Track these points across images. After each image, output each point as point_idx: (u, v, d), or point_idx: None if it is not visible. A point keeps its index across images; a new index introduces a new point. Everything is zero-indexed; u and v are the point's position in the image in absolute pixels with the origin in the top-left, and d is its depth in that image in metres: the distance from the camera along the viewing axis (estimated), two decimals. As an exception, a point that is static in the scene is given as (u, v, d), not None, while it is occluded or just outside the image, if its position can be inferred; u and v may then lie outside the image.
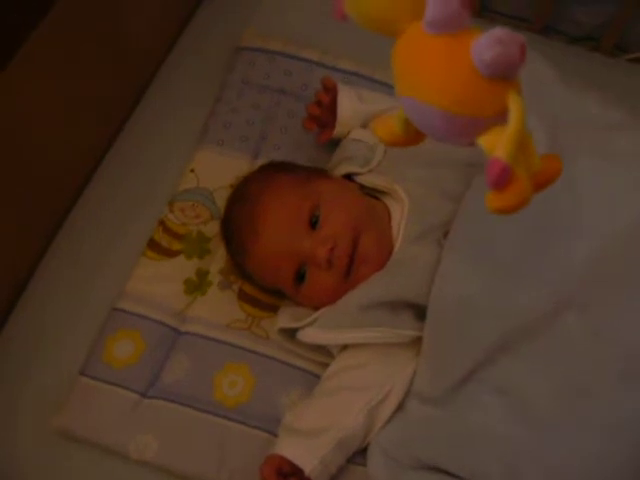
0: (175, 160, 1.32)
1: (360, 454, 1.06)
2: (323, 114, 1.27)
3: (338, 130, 1.25)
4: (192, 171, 1.30)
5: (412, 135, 0.72)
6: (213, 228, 1.24)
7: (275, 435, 1.07)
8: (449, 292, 1.02)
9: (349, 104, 1.24)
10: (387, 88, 1.33)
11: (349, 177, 1.20)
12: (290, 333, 1.11)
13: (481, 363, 1.00)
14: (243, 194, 1.17)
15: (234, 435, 1.09)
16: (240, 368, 1.13)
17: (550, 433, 0.96)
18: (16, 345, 1.19)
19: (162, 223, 1.25)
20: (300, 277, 1.09)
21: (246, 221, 1.12)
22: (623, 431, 0.92)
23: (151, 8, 1.39)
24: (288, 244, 1.07)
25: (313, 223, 1.09)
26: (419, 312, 1.05)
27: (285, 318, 1.11)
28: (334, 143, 1.27)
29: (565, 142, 1.05)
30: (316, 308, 1.11)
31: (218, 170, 1.29)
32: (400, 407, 1.06)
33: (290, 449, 1.01)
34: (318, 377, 1.13)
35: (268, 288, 1.16)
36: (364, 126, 1.26)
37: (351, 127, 1.25)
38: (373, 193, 1.18)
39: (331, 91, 1.26)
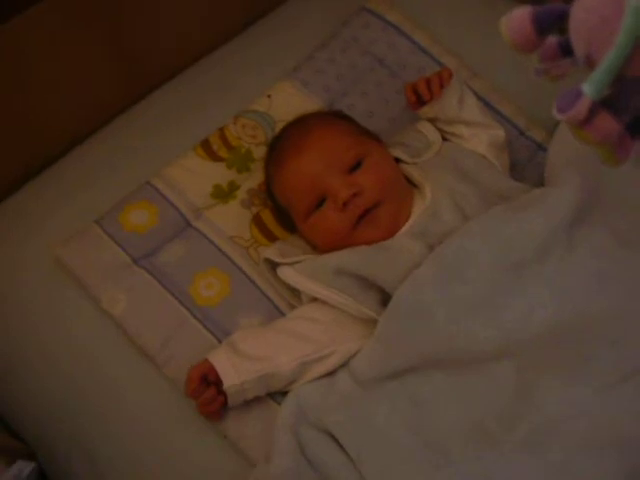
0: (255, 85, 1.41)
1: (281, 395, 1.14)
2: (425, 94, 1.31)
3: (424, 111, 1.31)
4: (269, 96, 1.39)
5: None
6: (262, 152, 1.33)
7: (220, 344, 1.17)
8: (413, 294, 1.07)
9: (452, 100, 1.29)
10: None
11: (396, 160, 1.26)
12: (272, 266, 1.20)
13: (412, 368, 1.07)
14: (303, 120, 1.26)
15: (188, 328, 1.20)
16: (222, 276, 1.23)
17: (438, 454, 1.01)
18: (61, 182, 1.34)
19: (221, 130, 1.36)
20: (316, 206, 1.17)
21: (296, 138, 1.21)
22: None
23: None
24: (321, 172, 1.15)
25: (352, 168, 1.16)
26: (384, 298, 1.11)
27: (273, 251, 1.20)
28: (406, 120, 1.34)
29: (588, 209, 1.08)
30: (311, 247, 1.21)
31: (291, 105, 1.37)
32: (332, 374, 1.13)
33: (221, 361, 1.11)
34: (282, 314, 1.21)
35: (283, 210, 1.24)
36: (433, 121, 1.30)
37: (436, 116, 1.30)
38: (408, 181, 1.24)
39: (445, 83, 1.29)
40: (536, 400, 0.99)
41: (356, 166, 1.17)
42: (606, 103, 0.75)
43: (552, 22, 0.89)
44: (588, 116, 0.74)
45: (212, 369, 1.11)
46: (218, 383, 1.11)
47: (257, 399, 1.14)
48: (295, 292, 1.20)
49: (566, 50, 0.88)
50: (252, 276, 1.24)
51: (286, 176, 1.19)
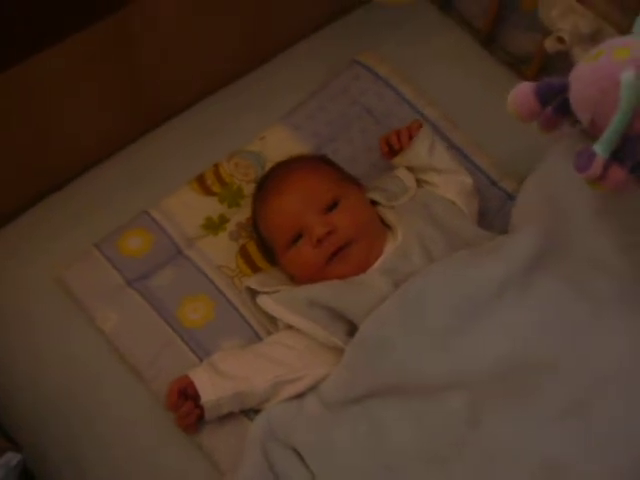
0: (251, 127, 1.54)
1: (254, 412, 1.24)
2: (395, 144, 1.43)
3: (397, 160, 1.42)
4: (262, 138, 1.51)
5: None
6: (252, 189, 1.44)
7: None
8: (376, 328, 1.18)
9: (420, 149, 1.40)
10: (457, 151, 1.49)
11: (374, 203, 1.37)
12: (253, 295, 1.31)
13: (374, 394, 1.17)
14: (288, 163, 1.39)
15: (174, 347, 1.30)
16: (208, 301, 1.35)
17: (391, 477, 1.11)
18: (67, 207, 1.46)
19: (216, 166, 1.48)
20: (293, 241, 1.28)
21: (279, 180, 1.33)
22: None
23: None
24: (300, 210, 1.27)
25: (328, 208, 1.28)
26: (352, 329, 1.21)
27: (254, 281, 1.31)
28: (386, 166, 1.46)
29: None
30: (289, 279, 1.32)
31: (282, 147, 1.49)
32: (302, 396, 1.23)
33: (201, 378, 1.22)
34: (261, 339, 1.32)
35: (266, 243, 1.35)
36: (410, 169, 1.42)
37: (409, 164, 1.41)
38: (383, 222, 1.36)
39: (413, 133, 1.41)
40: (485, 430, 1.08)
41: (332, 207, 1.28)
42: (613, 154, 0.92)
43: (554, 95, 1.03)
44: (603, 173, 0.92)
45: (191, 384, 1.21)
46: (196, 398, 1.21)
47: (232, 415, 1.24)
48: (272, 319, 1.30)
49: (562, 110, 1.05)
50: (235, 303, 1.35)
51: (269, 213, 1.31)
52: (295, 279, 1.33)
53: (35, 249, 1.41)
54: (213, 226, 1.42)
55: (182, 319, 1.33)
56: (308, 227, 1.26)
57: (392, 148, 1.42)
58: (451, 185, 1.38)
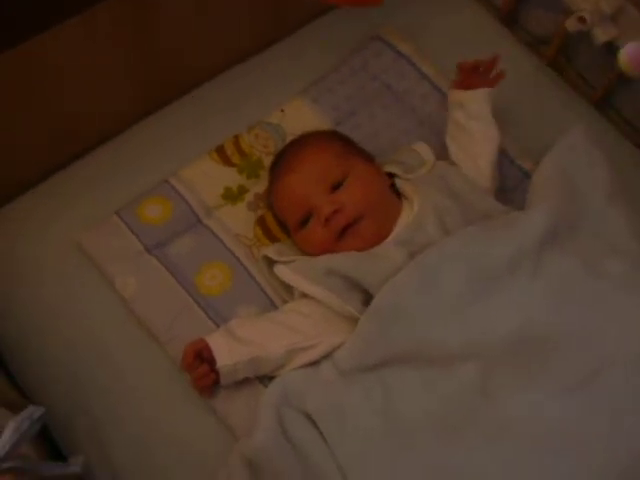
0: (271, 100, 1.54)
1: (269, 379, 1.26)
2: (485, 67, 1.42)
3: (457, 95, 1.42)
4: (282, 110, 1.52)
5: None
6: (271, 161, 1.45)
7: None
8: (391, 298, 1.19)
9: (484, 96, 1.39)
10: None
11: (391, 175, 1.39)
12: (270, 264, 1.32)
13: (387, 363, 1.19)
14: (302, 139, 1.40)
15: (191, 314, 1.32)
16: (225, 269, 1.36)
17: (404, 441, 1.12)
18: (87, 174, 1.48)
19: (236, 137, 1.49)
20: (304, 222, 1.30)
21: (290, 158, 1.35)
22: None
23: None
24: (308, 191, 1.29)
25: (335, 186, 1.30)
26: (367, 299, 1.23)
27: (272, 250, 1.32)
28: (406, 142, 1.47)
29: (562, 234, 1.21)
30: (307, 254, 1.33)
31: (302, 120, 1.50)
32: (317, 363, 1.25)
33: (218, 342, 1.23)
34: (276, 308, 1.34)
35: (280, 221, 1.38)
36: (457, 108, 1.42)
37: (462, 103, 1.41)
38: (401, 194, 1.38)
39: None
40: (497, 400, 1.10)
41: (341, 183, 1.30)
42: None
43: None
44: None
45: (207, 347, 1.23)
46: (211, 362, 1.22)
47: (246, 381, 1.25)
48: (288, 289, 1.32)
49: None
50: (252, 272, 1.36)
51: (280, 194, 1.34)
52: (310, 254, 1.34)
53: (55, 214, 1.43)
54: (232, 196, 1.43)
55: (199, 286, 1.34)
56: (316, 207, 1.28)
57: (472, 73, 1.41)
58: (487, 144, 1.39)
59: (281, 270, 1.29)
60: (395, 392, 1.16)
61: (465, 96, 1.40)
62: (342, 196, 1.29)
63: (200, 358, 1.23)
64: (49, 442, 1.27)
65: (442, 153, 1.46)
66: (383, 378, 1.18)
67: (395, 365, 1.18)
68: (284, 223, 1.37)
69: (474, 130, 1.39)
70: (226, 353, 1.22)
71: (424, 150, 1.42)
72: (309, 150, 1.34)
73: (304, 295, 1.28)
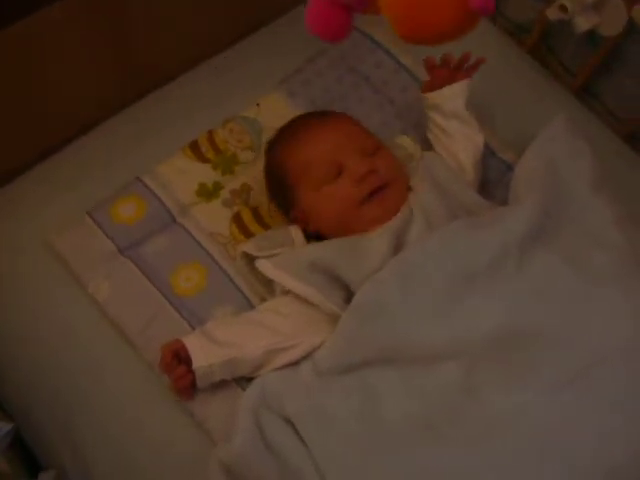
0: (247, 94, 1.51)
1: (247, 381, 1.22)
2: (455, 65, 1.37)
3: (430, 96, 1.38)
4: (258, 105, 1.49)
5: None
6: (246, 156, 1.43)
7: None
8: (373, 294, 1.16)
9: (460, 92, 1.36)
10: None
11: None
12: (249, 260, 1.28)
13: (368, 363, 1.15)
14: (320, 112, 1.39)
15: (166, 315, 1.29)
16: (200, 270, 1.33)
17: (385, 444, 1.10)
18: (59, 173, 1.44)
19: (210, 133, 1.45)
20: (329, 178, 1.27)
21: (317, 119, 1.33)
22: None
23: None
24: (343, 147, 1.27)
25: (369, 153, 1.29)
26: (349, 297, 1.19)
27: (251, 245, 1.28)
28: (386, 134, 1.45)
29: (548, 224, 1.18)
30: (289, 238, 1.30)
31: (277, 113, 1.47)
32: (296, 365, 1.21)
33: (194, 343, 1.20)
34: (254, 307, 1.30)
35: (285, 186, 1.32)
36: (435, 109, 1.39)
37: (438, 103, 1.37)
38: None
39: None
40: (481, 399, 1.07)
41: (372, 153, 1.29)
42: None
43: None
44: None
45: (184, 347, 1.19)
46: (189, 362, 1.19)
47: (224, 384, 1.22)
48: (268, 285, 1.29)
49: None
50: (228, 271, 1.33)
51: (307, 146, 1.30)
52: (314, 224, 1.31)
53: (27, 213, 1.39)
54: (207, 193, 1.40)
55: (174, 287, 1.31)
56: (351, 163, 1.26)
57: (441, 68, 1.37)
58: (468, 143, 1.37)
59: (263, 265, 1.25)
60: (376, 394, 1.13)
61: (437, 96, 1.37)
62: (377, 161, 1.28)
63: (178, 358, 1.20)
64: (24, 450, 1.24)
65: (423, 145, 1.43)
66: (364, 379, 1.15)
67: (376, 365, 1.15)
68: (290, 187, 1.31)
69: (453, 130, 1.37)
70: (201, 354, 1.19)
71: (408, 143, 1.42)
72: (337, 117, 1.34)
73: (286, 292, 1.25)
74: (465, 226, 1.20)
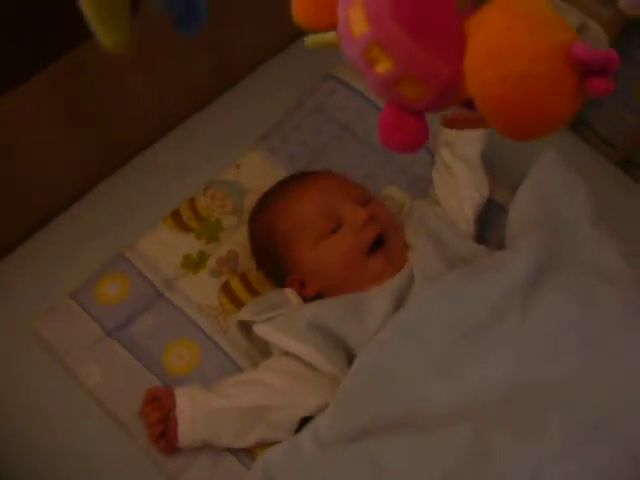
0: (226, 156, 1.47)
1: (246, 456, 1.18)
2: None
3: (448, 135, 1.36)
4: (237, 167, 1.44)
5: None
6: (230, 222, 1.39)
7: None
8: (374, 357, 1.11)
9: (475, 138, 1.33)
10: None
11: None
12: (246, 329, 1.23)
13: (372, 431, 1.09)
14: (299, 176, 1.34)
15: (161, 399, 1.23)
16: (192, 346, 1.27)
17: None
18: (40, 255, 1.39)
19: (192, 201, 1.41)
20: (327, 233, 1.23)
21: (303, 179, 1.30)
22: None
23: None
24: (337, 199, 1.24)
25: (363, 203, 1.25)
26: (351, 359, 1.15)
27: (247, 312, 1.23)
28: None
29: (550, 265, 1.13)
30: (284, 300, 1.24)
31: (259, 174, 1.42)
32: (296, 439, 1.15)
33: (183, 390, 1.17)
34: (250, 380, 1.24)
35: (278, 251, 1.27)
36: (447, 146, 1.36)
37: (453, 142, 1.35)
38: None
39: None
40: (494, 463, 1.00)
41: (367, 199, 1.27)
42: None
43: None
44: None
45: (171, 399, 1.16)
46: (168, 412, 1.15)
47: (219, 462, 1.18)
48: (267, 355, 1.23)
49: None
50: (221, 344, 1.27)
51: (298, 204, 1.25)
52: (311, 287, 1.25)
53: (10, 296, 1.34)
54: (192, 264, 1.35)
55: (167, 367, 1.25)
56: (348, 213, 1.22)
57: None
58: (475, 192, 1.32)
59: (262, 329, 1.19)
60: (383, 464, 1.06)
61: (456, 136, 1.34)
62: (372, 208, 1.24)
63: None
64: None
65: (411, 193, 1.39)
66: (369, 450, 1.09)
67: (380, 434, 1.09)
68: (284, 251, 1.26)
69: (458, 172, 1.33)
70: (187, 402, 1.15)
71: (395, 192, 1.39)
72: (323, 175, 1.31)
73: (284, 353, 1.19)
74: (463, 277, 1.15)
